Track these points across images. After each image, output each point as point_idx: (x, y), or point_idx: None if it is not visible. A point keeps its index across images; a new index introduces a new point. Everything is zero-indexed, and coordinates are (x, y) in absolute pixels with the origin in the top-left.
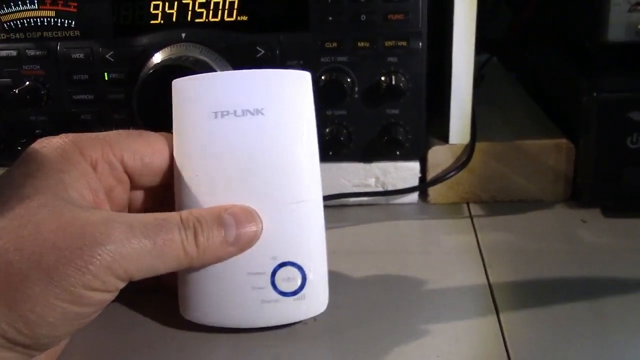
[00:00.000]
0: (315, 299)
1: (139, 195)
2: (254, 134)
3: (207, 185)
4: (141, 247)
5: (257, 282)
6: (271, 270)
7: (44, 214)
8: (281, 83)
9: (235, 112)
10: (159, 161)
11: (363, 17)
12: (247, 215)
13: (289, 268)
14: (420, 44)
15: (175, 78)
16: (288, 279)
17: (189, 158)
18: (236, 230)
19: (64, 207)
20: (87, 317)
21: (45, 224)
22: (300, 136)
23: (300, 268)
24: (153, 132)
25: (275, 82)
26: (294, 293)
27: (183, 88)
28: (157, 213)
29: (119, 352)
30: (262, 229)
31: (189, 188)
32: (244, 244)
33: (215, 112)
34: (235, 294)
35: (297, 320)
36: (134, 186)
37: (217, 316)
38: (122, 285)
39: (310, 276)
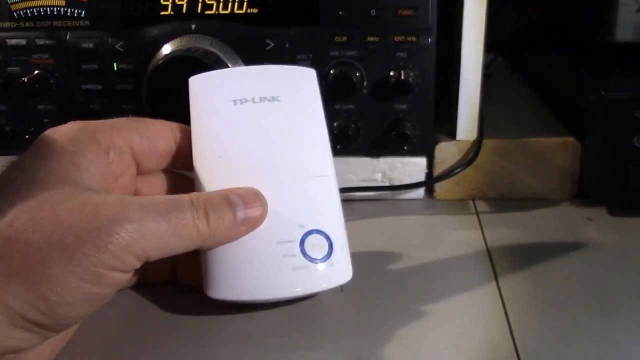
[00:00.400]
0: (342, 266)
1: (144, 183)
2: (273, 116)
3: (232, 164)
4: (157, 226)
5: (287, 249)
6: (300, 238)
7: (59, 196)
8: (292, 76)
9: (253, 99)
10: (164, 145)
11: (373, 12)
12: (253, 196)
13: (316, 235)
14: (430, 39)
15: (184, 69)
16: (316, 245)
17: (211, 142)
18: (244, 210)
19: (77, 189)
20: (104, 299)
21: (60, 205)
22: (315, 119)
23: (326, 236)
24: (156, 120)
25: (287, 75)
26: (323, 259)
27: (200, 82)
28: (167, 195)
29: (122, 344)
30: (267, 209)
31: (213, 170)
32: (252, 223)
33: (234, 100)
34: (266, 263)
35: (327, 287)
36: (140, 171)
37: (248, 290)
38: (138, 265)
39: (335, 244)
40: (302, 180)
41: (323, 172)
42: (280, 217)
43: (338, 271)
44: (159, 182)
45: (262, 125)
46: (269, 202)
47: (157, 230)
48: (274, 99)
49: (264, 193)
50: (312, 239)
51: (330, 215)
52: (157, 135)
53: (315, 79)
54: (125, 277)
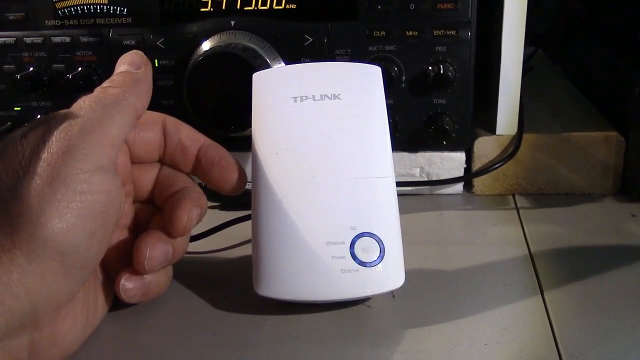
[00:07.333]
0: (394, 272)
1: (139, 171)
2: (333, 115)
3: (287, 162)
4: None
5: (337, 251)
6: (350, 240)
7: None
8: (355, 74)
9: (313, 96)
10: (152, 133)
11: (412, 6)
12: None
13: (367, 239)
14: (470, 33)
15: (224, 65)
16: (367, 249)
17: (269, 139)
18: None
19: None
20: (102, 209)
21: None
22: (376, 119)
23: (378, 240)
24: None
25: (350, 72)
26: (373, 264)
27: (263, 78)
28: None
29: (166, 333)
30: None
31: (268, 167)
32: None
33: (295, 97)
34: (315, 263)
35: (376, 292)
36: (133, 160)
37: (294, 290)
38: (115, 155)
39: (388, 248)
40: (358, 181)
41: (381, 173)
42: (332, 218)
43: (389, 277)
44: (152, 173)
45: (320, 124)
46: (322, 201)
47: (94, 115)
48: (334, 96)
49: (317, 192)
50: (363, 242)
51: (385, 218)
52: (145, 123)
53: (380, 77)
54: (108, 180)
